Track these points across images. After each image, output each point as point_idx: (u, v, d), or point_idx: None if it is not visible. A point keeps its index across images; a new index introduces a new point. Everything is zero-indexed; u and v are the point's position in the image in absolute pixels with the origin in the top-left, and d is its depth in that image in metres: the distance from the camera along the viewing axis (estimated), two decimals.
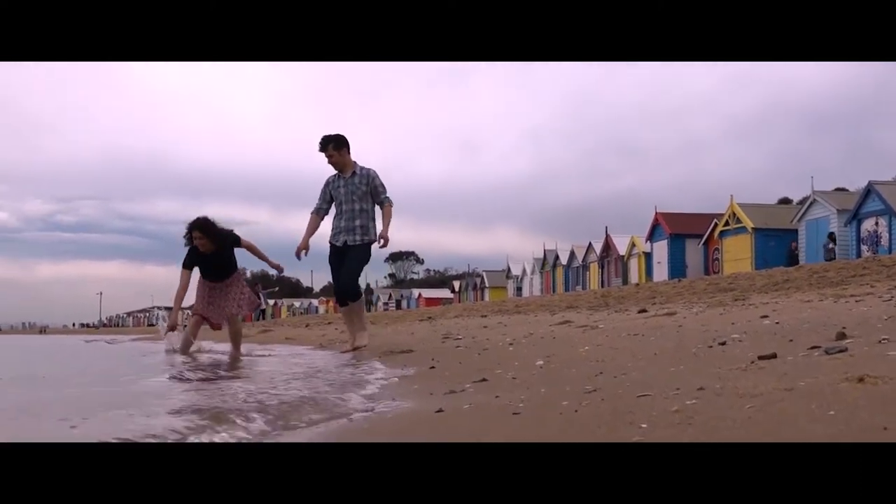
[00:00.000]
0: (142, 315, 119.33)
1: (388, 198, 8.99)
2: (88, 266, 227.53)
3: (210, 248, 9.24)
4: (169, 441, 2.67)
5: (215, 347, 10.49)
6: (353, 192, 8.91)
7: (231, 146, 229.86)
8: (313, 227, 9.15)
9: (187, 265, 9.35)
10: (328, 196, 9.08)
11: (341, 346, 9.79)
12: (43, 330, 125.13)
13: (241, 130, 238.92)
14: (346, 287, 8.96)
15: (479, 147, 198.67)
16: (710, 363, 3.54)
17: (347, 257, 8.86)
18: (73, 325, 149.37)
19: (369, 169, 9.02)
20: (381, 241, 8.83)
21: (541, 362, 4.61)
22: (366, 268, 9.11)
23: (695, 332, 5.75)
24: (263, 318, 46.57)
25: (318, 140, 9.02)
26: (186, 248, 9.34)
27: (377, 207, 9.04)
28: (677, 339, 5.15)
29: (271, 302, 75.40)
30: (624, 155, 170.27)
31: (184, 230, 9.40)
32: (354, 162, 9.03)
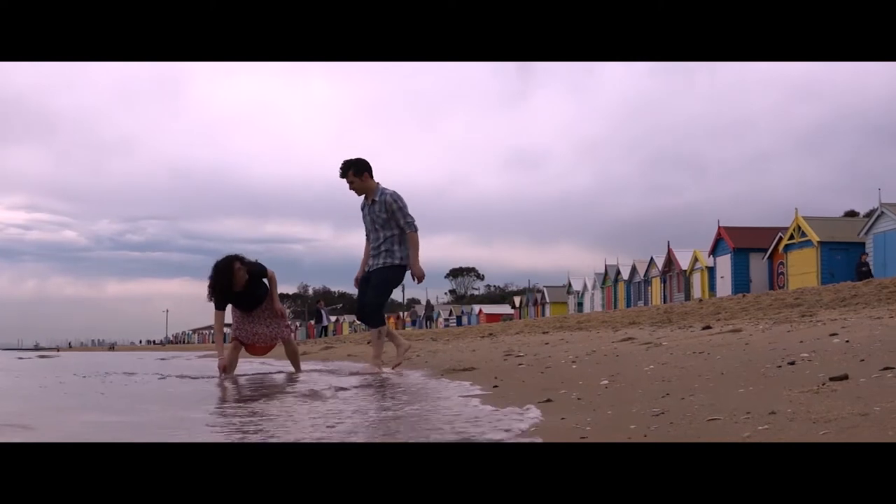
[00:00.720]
0: (206, 332, 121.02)
1: (409, 223, 8.62)
2: (155, 284, 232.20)
3: (243, 285, 9.05)
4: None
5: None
6: (375, 220, 8.68)
7: (294, 165, 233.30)
8: (366, 255, 8.88)
9: (221, 307, 9.09)
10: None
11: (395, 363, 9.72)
12: (112, 347, 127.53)
13: (304, 150, 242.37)
14: (362, 308, 8.85)
15: (540, 162, 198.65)
16: (779, 384, 3.48)
17: (370, 282, 8.70)
18: (140, 341, 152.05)
19: (388, 194, 8.64)
20: (415, 278, 8.62)
21: (605, 382, 4.58)
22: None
23: (762, 350, 5.66)
24: (325, 335, 46.86)
25: (339, 166, 8.79)
26: (215, 299, 9.07)
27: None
28: (744, 358, 5.07)
29: (333, 318, 75.90)
30: (686, 168, 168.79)
31: (210, 276, 9.07)
32: (377, 185, 8.72)
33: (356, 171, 8.62)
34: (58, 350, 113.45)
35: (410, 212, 8.68)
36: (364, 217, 8.83)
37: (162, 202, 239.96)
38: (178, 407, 5.26)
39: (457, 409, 4.10)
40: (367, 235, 8.87)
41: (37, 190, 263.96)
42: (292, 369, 9.71)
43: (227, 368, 9.14)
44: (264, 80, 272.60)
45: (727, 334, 8.75)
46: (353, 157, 8.79)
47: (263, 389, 6.70)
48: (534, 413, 3.62)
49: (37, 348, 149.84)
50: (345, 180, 8.70)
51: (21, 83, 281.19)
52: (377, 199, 8.63)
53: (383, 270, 8.62)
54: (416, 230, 8.63)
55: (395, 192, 8.67)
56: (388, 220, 8.60)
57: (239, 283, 9.02)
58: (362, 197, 8.79)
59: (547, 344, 12.51)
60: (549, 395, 4.19)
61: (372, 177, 8.74)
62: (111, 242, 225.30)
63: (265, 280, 9.40)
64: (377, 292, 8.67)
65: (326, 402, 5.09)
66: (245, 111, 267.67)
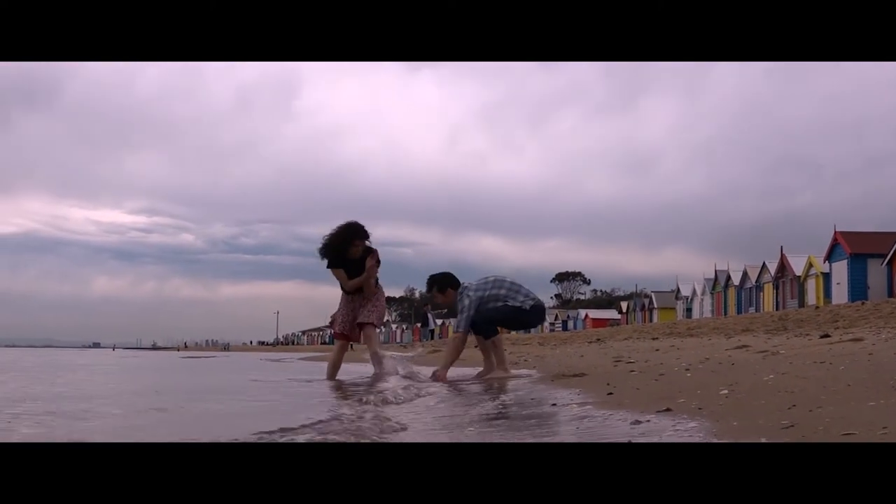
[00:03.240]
0: (315, 333, 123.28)
1: (458, 322, 9.02)
2: (266, 286, 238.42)
3: (359, 253, 9.23)
4: None
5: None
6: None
7: (404, 169, 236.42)
8: None
9: (335, 264, 9.26)
10: None
11: (509, 367, 9.67)
12: (227, 347, 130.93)
13: (414, 154, 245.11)
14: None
15: (650, 165, 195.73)
16: None
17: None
18: (251, 342, 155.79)
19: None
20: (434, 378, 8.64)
21: (725, 391, 4.48)
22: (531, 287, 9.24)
23: (889, 361, 5.46)
24: (432, 338, 47.19)
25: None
26: (329, 258, 9.32)
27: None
28: (870, 369, 4.90)
29: (439, 322, 76.29)
30: (801, 171, 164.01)
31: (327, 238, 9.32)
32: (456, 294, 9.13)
33: (439, 288, 9.20)
34: (226, 349, 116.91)
35: (468, 304, 8.91)
36: None
37: (274, 206, 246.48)
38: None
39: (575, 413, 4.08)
40: None
41: (157, 194, 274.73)
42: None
43: (331, 372, 9.37)
44: (376, 86, 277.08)
45: (848, 343, 8.48)
46: (440, 272, 9.37)
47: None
48: (654, 419, 3.59)
49: (154, 348, 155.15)
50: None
51: (144, 92, 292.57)
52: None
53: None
54: (458, 330, 8.99)
55: (461, 294, 9.06)
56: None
57: (355, 254, 9.24)
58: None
59: (657, 350, 12.34)
60: (667, 404, 4.13)
61: (456, 289, 9.15)
62: (226, 245, 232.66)
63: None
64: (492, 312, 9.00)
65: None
66: (357, 116, 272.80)
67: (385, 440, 3.56)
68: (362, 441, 3.40)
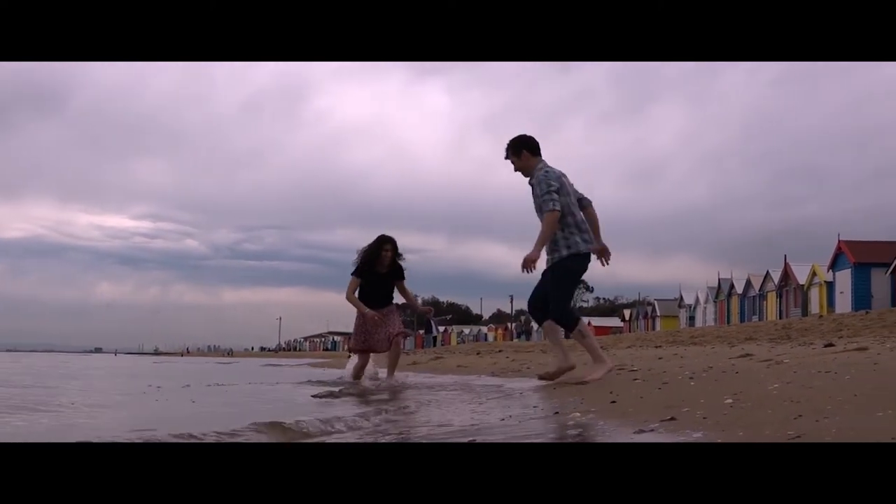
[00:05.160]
0: (318, 339, 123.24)
1: (545, 201, 7.55)
2: (269, 292, 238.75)
3: (388, 266, 9.59)
4: None
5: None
6: (534, 205, 7.77)
7: (410, 176, 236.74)
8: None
9: (359, 274, 9.67)
10: None
11: (512, 375, 9.66)
12: (230, 352, 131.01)
13: (421, 161, 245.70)
14: (552, 316, 7.87)
15: (656, 173, 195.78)
16: None
17: (548, 283, 7.87)
18: (252, 348, 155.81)
19: (538, 172, 7.72)
20: (524, 267, 7.55)
21: (730, 400, 4.44)
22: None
23: (894, 371, 5.41)
24: (434, 345, 47.13)
25: None
26: (357, 265, 9.71)
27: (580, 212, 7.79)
28: (876, 380, 4.85)
29: (441, 329, 76.28)
30: (806, 180, 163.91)
31: (366, 246, 9.83)
32: (538, 165, 7.79)
33: (513, 150, 7.86)
34: (229, 354, 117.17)
35: (555, 191, 7.56)
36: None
37: (279, 212, 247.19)
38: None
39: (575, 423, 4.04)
40: None
41: (162, 200, 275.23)
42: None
43: (356, 373, 9.69)
44: (383, 93, 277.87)
45: (852, 353, 8.42)
46: (519, 134, 7.99)
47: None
48: (658, 427, 3.54)
49: (156, 353, 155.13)
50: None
51: (153, 98, 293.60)
52: (532, 182, 7.79)
53: (550, 272, 7.82)
54: (551, 210, 7.49)
55: (545, 171, 7.71)
56: (539, 206, 7.66)
57: (383, 262, 9.73)
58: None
59: (660, 359, 12.29)
60: (671, 413, 4.08)
61: (535, 155, 7.85)
62: (229, 251, 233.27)
63: (400, 283, 9.98)
64: (554, 296, 7.81)
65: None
66: (364, 123, 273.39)
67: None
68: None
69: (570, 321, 7.84)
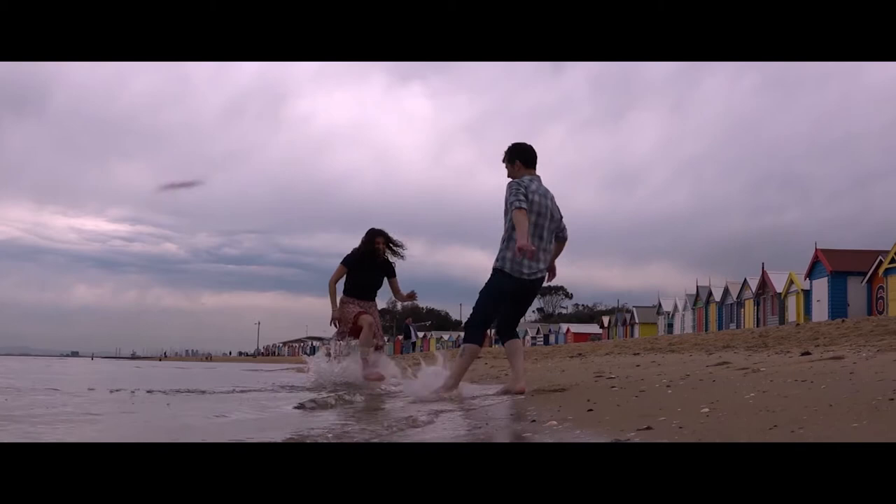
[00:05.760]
0: (296, 345, 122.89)
1: (513, 205, 7.20)
2: (248, 297, 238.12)
3: (381, 257, 9.66)
4: None
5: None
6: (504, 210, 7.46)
7: (391, 181, 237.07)
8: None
9: (348, 263, 9.67)
10: None
11: (490, 381, 9.66)
12: (209, 357, 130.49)
13: (401, 166, 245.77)
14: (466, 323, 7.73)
15: (636, 181, 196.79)
16: (894, 419, 3.32)
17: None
18: (230, 353, 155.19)
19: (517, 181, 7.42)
20: (524, 252, 7.06)
21: (706, 409, 4.44)
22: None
23: (869, 380, 5.43)
24: (413, 351, 47.06)
25: None
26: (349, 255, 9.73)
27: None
28: (852, 389, 4.87)
29: (420, 335, 76.17)
30: (785, 188, 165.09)
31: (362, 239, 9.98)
32: (528, 177, 7.49)
33: (509, 157, 7.59)
34: (209, 359, 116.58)
35: (523, 195, 7.25)
36: None
37: (260, 216, 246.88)
38: None
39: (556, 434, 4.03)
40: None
41: (141, 203, 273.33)
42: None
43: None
44: (365, 97, 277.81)
45: (828, 361, 8.45)
46: (520, 142, 7.70)
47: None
48: (634, 437, 3.53)
49: (133, 357, 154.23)
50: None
51: (132, 100, 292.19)
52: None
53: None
54: (518, 207, 7.14)
55: (522, 182, 7.38)
56: (506, 210, 7.37)
57: (378, 255, 9.96)
58: None
59: (638, 366, 12.30)
60: (648, 422, 4.08)
61: (527, 167, 7.55)
62: (208, 255, 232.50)
63: (393, 280, 9.95)
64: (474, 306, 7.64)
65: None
66: (345, 127, 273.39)
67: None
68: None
69: (470, 335, 7.68)
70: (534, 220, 7.36)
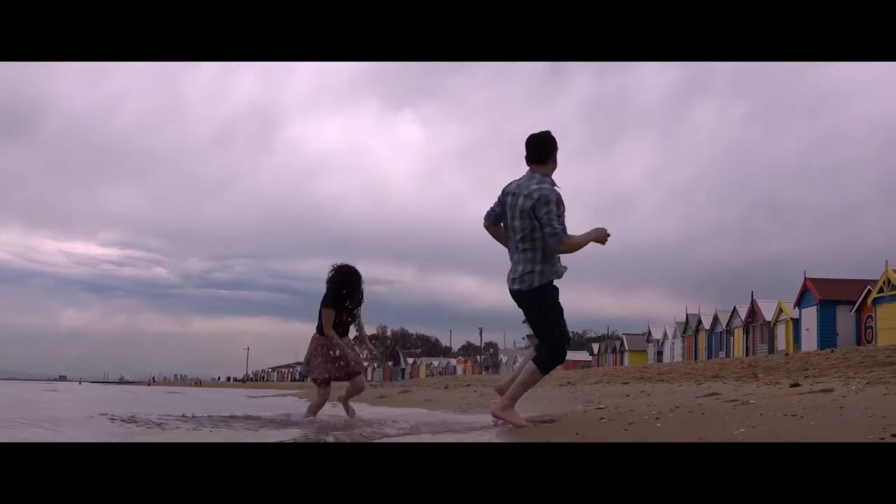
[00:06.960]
0: (286, 370, 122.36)
1: (556, 230, 6.70)
2: (238, 322, 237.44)
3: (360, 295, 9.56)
4: None
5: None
6: (518, 210, 6.88)
7: (382, 207, 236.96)
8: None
9: (334, 305, 9.39)
10: None
11: (480, 410, 9.62)
12: (198, 382, 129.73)
13: (392, 192, 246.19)
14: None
15: (626, 208, 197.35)
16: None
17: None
18: (219, 378, 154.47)
19: (547, 185, 6.82)
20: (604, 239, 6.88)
21: None
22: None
23: (859, 416, 5.40)
24: (403, 377, 46.92)
25: None
26: (331, 292, 9.43)
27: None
28: (842, 425, 4.85)
29: (410, 361, 75.96)
30: (774, 217, 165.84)
31: (333, 276, 9.56)
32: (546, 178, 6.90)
33: (544, 153, 6.92)
34: (198, 384, 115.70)
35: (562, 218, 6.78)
36: None
37: (251, 241, 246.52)
38: None
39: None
40: None
41: (132, 227, 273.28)
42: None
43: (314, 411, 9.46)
44: (355, 123, 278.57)
45: (818, 394, 8.43)
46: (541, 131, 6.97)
47: None
48: None
49: (121, 382, 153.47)
50: None
51: (123, 124, 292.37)
52: (534, 187, 6.79)
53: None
54: (563, 239, 6.74)
55: (553, 192, 6.77)
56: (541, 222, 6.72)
57: (359, 293, 9.60)
58: None
59: (627, 396, 12.28)
60: None
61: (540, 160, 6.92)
62: (199, 280, 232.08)
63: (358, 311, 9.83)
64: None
65: None
66: (337, 153, 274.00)
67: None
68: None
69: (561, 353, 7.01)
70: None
